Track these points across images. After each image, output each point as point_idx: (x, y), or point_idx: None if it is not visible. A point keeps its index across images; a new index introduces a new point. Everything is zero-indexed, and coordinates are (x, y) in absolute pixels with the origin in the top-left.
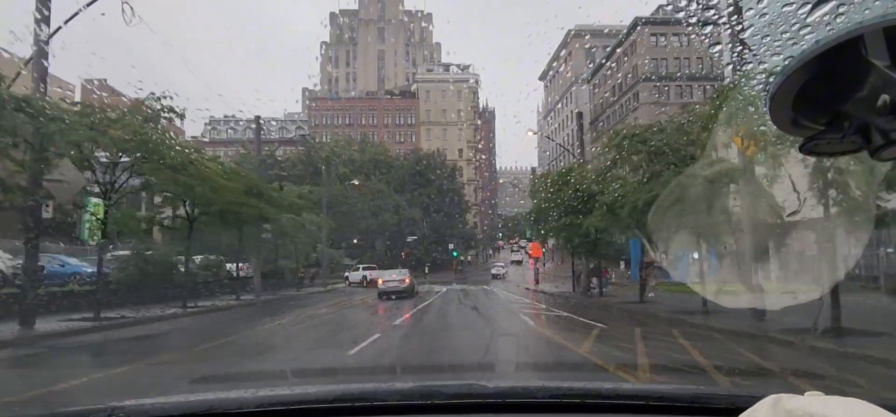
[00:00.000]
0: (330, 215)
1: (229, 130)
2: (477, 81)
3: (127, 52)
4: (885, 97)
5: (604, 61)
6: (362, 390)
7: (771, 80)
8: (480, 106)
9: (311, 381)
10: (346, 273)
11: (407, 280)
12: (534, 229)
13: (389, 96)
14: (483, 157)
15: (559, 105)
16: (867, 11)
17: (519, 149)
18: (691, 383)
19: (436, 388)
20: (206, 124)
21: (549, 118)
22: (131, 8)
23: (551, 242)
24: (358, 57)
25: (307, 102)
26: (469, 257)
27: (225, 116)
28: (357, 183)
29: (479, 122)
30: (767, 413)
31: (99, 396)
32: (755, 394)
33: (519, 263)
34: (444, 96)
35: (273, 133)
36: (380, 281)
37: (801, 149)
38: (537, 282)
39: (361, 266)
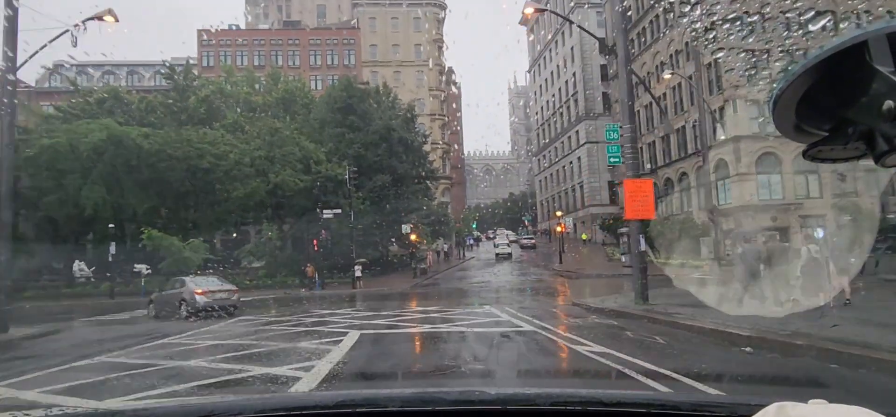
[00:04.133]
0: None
1: (81, 77)
2: (442, 6)
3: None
4: (889, 103)
5: None
6: (363, 396)
7: (774, 85)
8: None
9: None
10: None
11: (236, 292)
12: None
13: (319, 28)
14: (450, 120)
15: (553, 46)
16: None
17: (487, 133)
18: (696, 391)
19: (437, 394)
20: (45, 69)
21: (538, 68)
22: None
23: None
24: (292, 14)
25: (201, 39)
26: (442, 249)
27: (80, 63)
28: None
29: (444, 61)
30: None
31: None
32: (758, 402)
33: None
34: (395, 26)
35: (147, 81)
36: (197, 292)
37: (805, 155)
38: (646, 297)
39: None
